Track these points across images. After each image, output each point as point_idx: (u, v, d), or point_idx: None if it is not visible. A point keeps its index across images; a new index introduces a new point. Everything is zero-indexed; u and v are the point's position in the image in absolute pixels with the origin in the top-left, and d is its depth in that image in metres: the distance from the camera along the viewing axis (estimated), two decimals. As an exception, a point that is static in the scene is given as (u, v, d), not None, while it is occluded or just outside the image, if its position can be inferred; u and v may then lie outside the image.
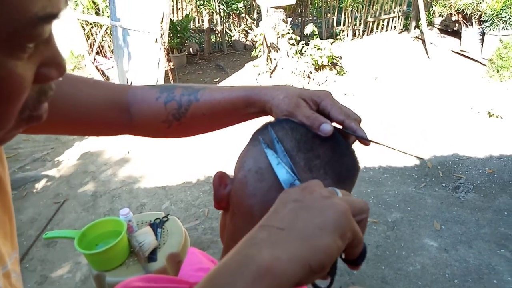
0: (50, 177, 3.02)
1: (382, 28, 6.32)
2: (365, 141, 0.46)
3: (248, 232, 0.46)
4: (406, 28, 6.27)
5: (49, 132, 0.56)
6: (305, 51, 4.48)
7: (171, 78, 4.02)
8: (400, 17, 6.34)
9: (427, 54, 5.13)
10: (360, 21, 6.14)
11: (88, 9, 5.12)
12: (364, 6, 5.98)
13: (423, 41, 5.34)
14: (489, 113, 3.51)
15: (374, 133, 3.40)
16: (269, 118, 0.53)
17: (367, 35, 6.25)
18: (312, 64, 4.41)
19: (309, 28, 4.67)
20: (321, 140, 0.45)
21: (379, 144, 0.49)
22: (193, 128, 0.60)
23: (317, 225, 0.30)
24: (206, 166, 3.04)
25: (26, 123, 0.34)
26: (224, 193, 0.47)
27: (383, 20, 6.27)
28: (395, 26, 6.36)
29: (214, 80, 4.97)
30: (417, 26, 5.88)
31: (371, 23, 6.23)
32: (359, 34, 6.20)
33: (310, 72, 4.42)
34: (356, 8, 5.96)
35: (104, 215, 2.56)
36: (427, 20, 5.61)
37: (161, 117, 0.57)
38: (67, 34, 5.67)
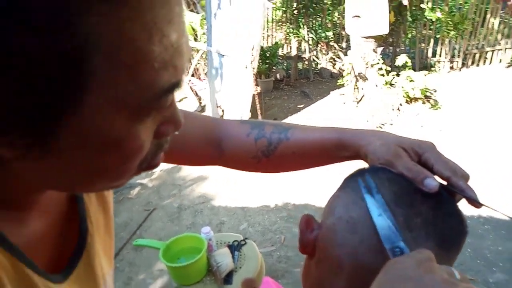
0: (144, 186, 3.32)
1: (485, 61, 5.81)
2: (476, 204, 0.42)
3: (333, 282, 0.45)
4: (515, 61, 5.69)
5: None
6: (395, 82, 4.31)
7: (257, 102, 4.18)
8: (508, 50, 5.77)
9: (540, 92, 4.56)
10: (459, 52, 5.73)
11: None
12: (464, 37, 5.58)
13: (535, 76, 4.77)
14: None
15: (472, 178, 3.09)
16: (361, 163, 0.51)
17: (466, 67, 5.79)
18: (403, 96, 4.21)
19: (402, 59, 4.49)
20: (423, 196, 0.41)
21: (492, 208, 0.44)
22: (281, 166, 0.61)
23: None
24: (285, 192, 3.05)
25: (143, 170, 0.38)
26: (310, 238, 0.45)
27: (486, 53, 5.77)
28: (500, 60, 5.80)
29: (298, 106, 5.03)
30: (528, 60, 5.31)
31: (472, 55, 5.77)
32: (457, 67, 5.78)
33: (400, 104, 4.23)
34: (455, 39, 5.58)
35: (186, 228, 2.72)
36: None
37: (251, 152, 0.59)
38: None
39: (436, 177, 0.42)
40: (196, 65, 5.79)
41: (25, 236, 0.39)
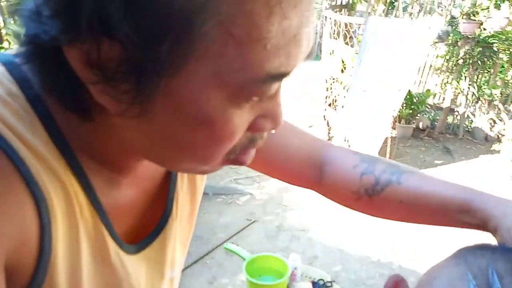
0: (253, 196, 3.44)
1: None
2: None
3: None
4: None
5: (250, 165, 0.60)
6: None
7: (388, 145, 3.92)
8: None
9: None
10: None
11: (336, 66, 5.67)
12: None
13: None
14: None
15: None
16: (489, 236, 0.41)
17: None
18: None
19: None
20: None
21: None
22: (382, 211, 0.54)
23: None
24: (395, 248, 2.76)
25: (230, 163, 0.37)
26: None
27: None
28: None
29: (436, 161, 4.51)
30: None
31: None
32: None
33: None
34: None
35: (279, 250, 2.69)
36: None
37: (353, 187, 0.54)
38: (311, 83, 6.46)
39: None
40: (336, 96, 5.80)
41: (114, 199, 0.40)
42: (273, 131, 0.36)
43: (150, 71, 0.27)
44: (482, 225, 0.43)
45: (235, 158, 0.36)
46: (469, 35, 4.93)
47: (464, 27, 4.73)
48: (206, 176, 0.54)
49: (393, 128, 4.20)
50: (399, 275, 0.40)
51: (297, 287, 1.59)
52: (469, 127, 5.60)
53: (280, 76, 0.29)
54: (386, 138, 3.95)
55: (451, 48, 5.51)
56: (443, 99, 5.81)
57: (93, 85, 0.28)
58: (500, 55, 5.25)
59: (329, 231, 2.98)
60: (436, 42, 5.74)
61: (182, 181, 0.50)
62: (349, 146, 4.20)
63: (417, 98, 5.34)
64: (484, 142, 5.21)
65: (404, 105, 5.21)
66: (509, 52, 5.13)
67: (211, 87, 0.28)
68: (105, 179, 0.39)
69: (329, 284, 1.70)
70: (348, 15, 5.22)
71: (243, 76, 0.28)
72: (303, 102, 6.28)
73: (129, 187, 0.42)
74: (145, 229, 0.46)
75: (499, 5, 4.47)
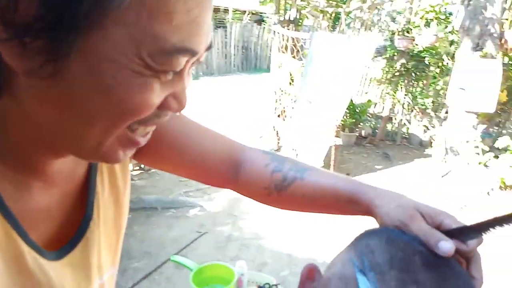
0: (202, 208, 3.45)
1: None
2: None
3: None
4: None
5: (164, 169, 0.61)
6: (490, 165, 3.88)
7: (333, 153, 4.13)
8: None
9: None
10: None
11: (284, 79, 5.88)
12: None
13: None
14: None
15: None
16: None
17: None
18: (497, 180, 3.76)
19: (503, 142, 4.05)
20: (426, 264, 0.37)
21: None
22: (290, 204, 0.60)
23: None
24: (339, 250, 2.89)
25: (124, 144, 0.37)
26: None
27: None
28: None
29: (376, 166, 4.81)
30: None
31: None
32: None
33: (492, 189, 3.77)
34: None
35: (229, 260, 2.72)
36: None
37: (264, 183, 0.59)
38: (259, 95, 6.60)
39: None
40: (284, 107, 5.99)
41: (26, 204, 0.39)
42: (177, 114, 0.39)
43: (67, 27, 0.28)
44: (368, 212, 0.50)
45: (130, 138, 0.37)
46: (404, 49, 5.37)
47: (399, 42, 5.15)
48: (129, 178, 0.56)
49: (338, 136, 4.43)
50: (313, 264, 0.46)
51: (242, 293, 1.63)
52: (405, 134, 6.03)
53: (184, 50, 0.32)
54: (331, 146, 4.16)
55: (389, 61, 5.95)
56: (383, 108, 6.22)
57: (6, 42, 0.28)
58: (431, 68, 5.76)
59: (279, 238, 3.07)
60: (375, 56, 6.18)
61: (103, 184, 0.50)
62: (297, 155, 4.36)
63: (359, 108, 5.68)
64: (419, 147, 5.64)
65: (348, 114, 5.52)
66: (438, 65, 5.65)
67: (126, 54, 0.30)
68: (14, 183, 0.37)
69: (274, 287, 1.77)
70: (295, 30, 5.45)
71: (153, 46, 0.30)
72: (254, 113, 6.41)
73: (43, 191, 0.41)
74: (67, 235, 0.45)
75: (429, 23, 4.94)
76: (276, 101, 6.13)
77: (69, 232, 0.46)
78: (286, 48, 5.86)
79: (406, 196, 0.49)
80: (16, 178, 0.38)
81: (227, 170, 0.62)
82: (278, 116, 5.98)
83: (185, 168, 0.61)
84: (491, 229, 0.39)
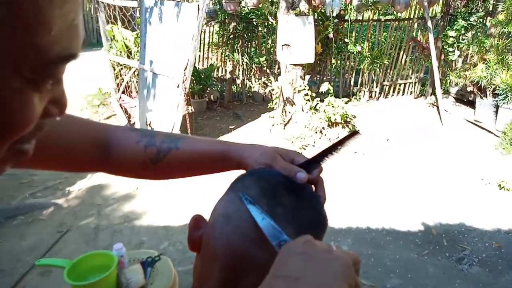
0: (58, 206, 3.11)
1: (398, 92, 6.47)
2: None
3: (210, 273, 0.49)
4: (423, 94, 6.40)
5: (31, 166, 0.57)
6: (319, 108, 4.62)
7: (187, 122, 4.20)
8: (417, 83, 6.50)
9: (441, 121, 5.19)
10: (376, 84, 6.33)
11: (120, 51, 5.50)
12: (381, 70, 6.19)
13: (438, 108, 5.42)
14: (500, 185, 3.46)
15: (380, 193, 3.38)
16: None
17: (383, 97, 6.39)
18: (325, 120, 4.52)
19: (325, 87, 4.85)
20: (288, 191, 0.48)
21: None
22: (169, 173, 0.64)
23: (328, 275, 0.34)
24: (209, 210, 3.06)
25: (12, 157, 0.36)
26: (197, 236, 0.50)
27: (400, 85, 6.44)
28: (411, 91, 6.50)
29: (230, 127, 5.13)
30: (433, 93, 6.00)
31: (387, 87, 6.40)
32: (375, 96, 6.36)
33: (323, 128, 4.53)
34: (373, 72, 6.17)
35: (103, 249, 2.58)
36: (443, 88, 5.73)
37: (139, 159, 0.61)
38: (98, 72, 6.06)
39: None
40: (128, 82, 5.66)
41: None
42: (58, 118, 0.37)
43: None
44: (240, 165, 0.58)
45: (18, 149, 0.36)
46: (233, 12, 5.66)
47: (226, 5, 5.39)
48: None
49: (189, 104, 4.51)
50: (198, 214, 0.53)
51: (127, 272, 1.62)
52: (249, 93, 6.55)
53: (68, 57, 0.31)
54: (185, 115, 4.22)
55: (222, 25, 6.20)
56: (226, 71, 6.55)
57: None
58: (260, 28, 6.28)
59: (152, 214, 3.04)
60: (209, 21, 6.34)
61: None
62: (152, 129, 4.27)
63: (204, 74, 5.83)
64: (262, 103, 6.23)
65: (194, 81, 5.61)
66: (265, 25, 6.19)
67: (5, 74, 0.28)
68: None
69: (157, 258, 1.80)
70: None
71: (35, 60, 0.29)
72: (95, 93, 5.85)
73: None
74: None
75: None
76: (117, 77, 5.74)
77: None
78: (115, 18, 5.45)
79: (267, 146, 0.59)
80: None
81: (97, 153, 0.61)
82: (123, 92, 5.64)
83: (54, 160, 0.59)
84: (326, 158, 0.54)
